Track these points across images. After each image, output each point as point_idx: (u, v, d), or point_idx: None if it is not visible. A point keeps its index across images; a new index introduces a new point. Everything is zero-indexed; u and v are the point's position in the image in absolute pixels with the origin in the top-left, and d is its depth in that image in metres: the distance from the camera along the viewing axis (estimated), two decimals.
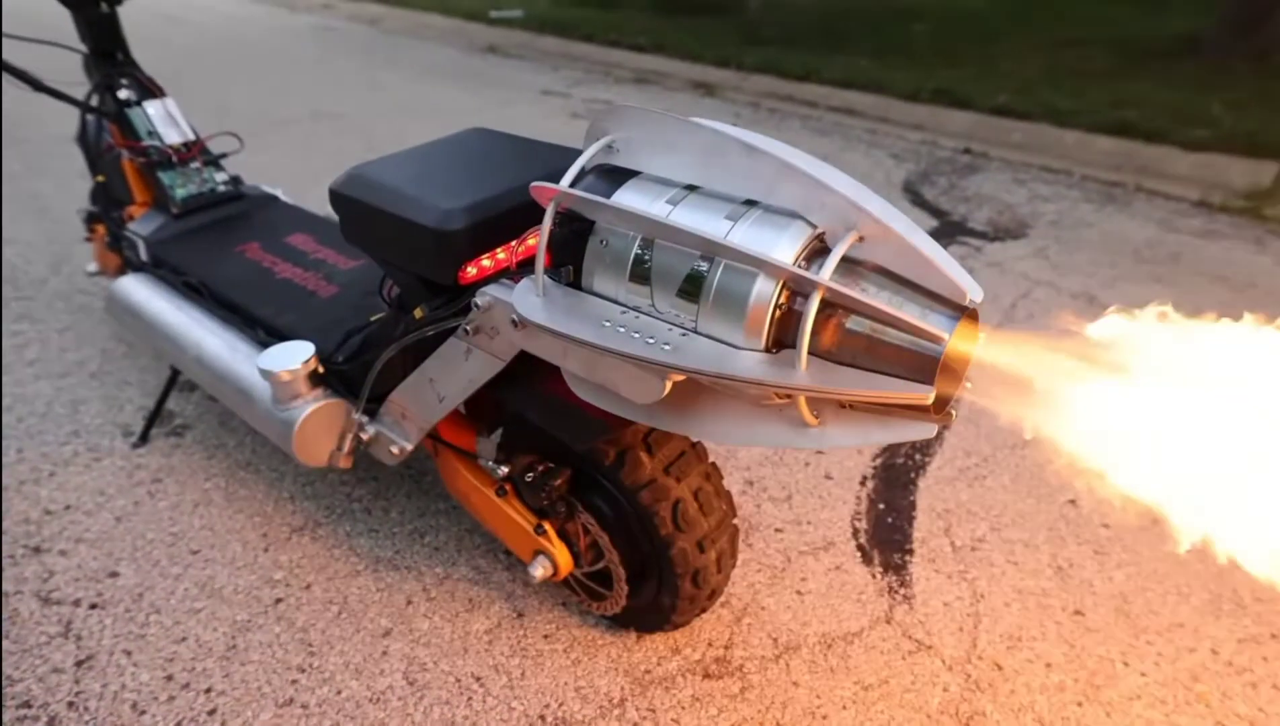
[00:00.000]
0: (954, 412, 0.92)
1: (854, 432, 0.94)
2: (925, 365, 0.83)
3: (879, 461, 2.12)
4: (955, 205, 4.03)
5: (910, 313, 0.83)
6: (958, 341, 0.84)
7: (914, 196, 4.14)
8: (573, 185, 1.00)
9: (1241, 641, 1.64)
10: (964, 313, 0.84)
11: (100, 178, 2.27)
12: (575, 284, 1.04)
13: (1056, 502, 2.01)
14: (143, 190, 2.23)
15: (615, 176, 1.02)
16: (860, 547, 1.85)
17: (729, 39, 7.37)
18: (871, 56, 6.59)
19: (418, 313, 1.34)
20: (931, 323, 0.83)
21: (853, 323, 0.86)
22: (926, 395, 0.83)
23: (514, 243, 1.15)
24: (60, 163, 3.95)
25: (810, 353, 0.86)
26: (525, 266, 1.13)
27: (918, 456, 2.15)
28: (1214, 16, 6.28)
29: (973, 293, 0.84)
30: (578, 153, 1.05)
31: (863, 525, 1.92)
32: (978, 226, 3.76)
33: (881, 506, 1.98)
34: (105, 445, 2.10)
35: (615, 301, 1.00)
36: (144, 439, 2.11)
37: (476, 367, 1.29)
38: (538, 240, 1.03)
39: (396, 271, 1.40)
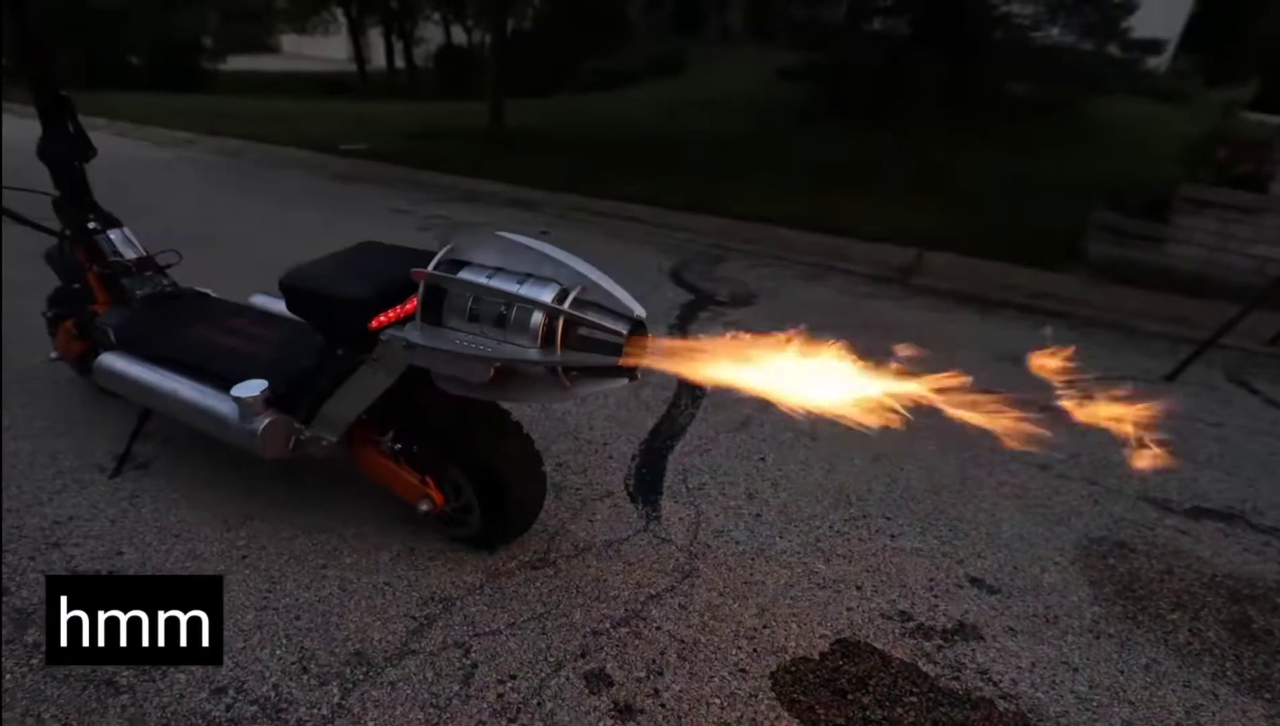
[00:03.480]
0: (638, 375, 1.60)
1: (589, 387, 1.61)
2: (616, 347, 1.51)
3: (644, 446, 2.81)
4: (707, 284, 4.90)
5: (608, 322, 1.51)
6: (633, 335, 1.52)
7: (678, 279, 4.97)
8: (434, 270, 1.63)
9: (846, 520, 2.41)
10: (634, 321, 1.53)
11: (76, 286, 2.65)
12: (438, 324, 1.66)
13: (752, 460, 2.76)
14: (104, 293, 2.62)
15: (455, 265, 1.66)
16: (630, 493, 2.51)
17: (545, 170, 7.98)
18: (649, 179, 7.43)
19: (339, 352, 1.91)
20: (619, 326, 1.51)
21: (583, 329, 1.53)
22: (615, 361, 1.51)
23: (401, 305, 1.76)
24: None
25: (563, 346, 1.53)
26: (408, 319, 1.73)
27: (669, 442, 2.85)
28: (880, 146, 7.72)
29: (638, 311, 1.53)
30: (428, 254, 1.68)
31: (632, 482, 2.58)
32: (722, 297, 4.63)
33: (644, 470, 2.65)
34: (87, 478, 2.45)
35: (461, 332, 1.63)
36: (118, 471, 2.48)
37: (379, 382, 1.87)
38: (415, 301, 1.65)
39: (325, 328, 1.96)
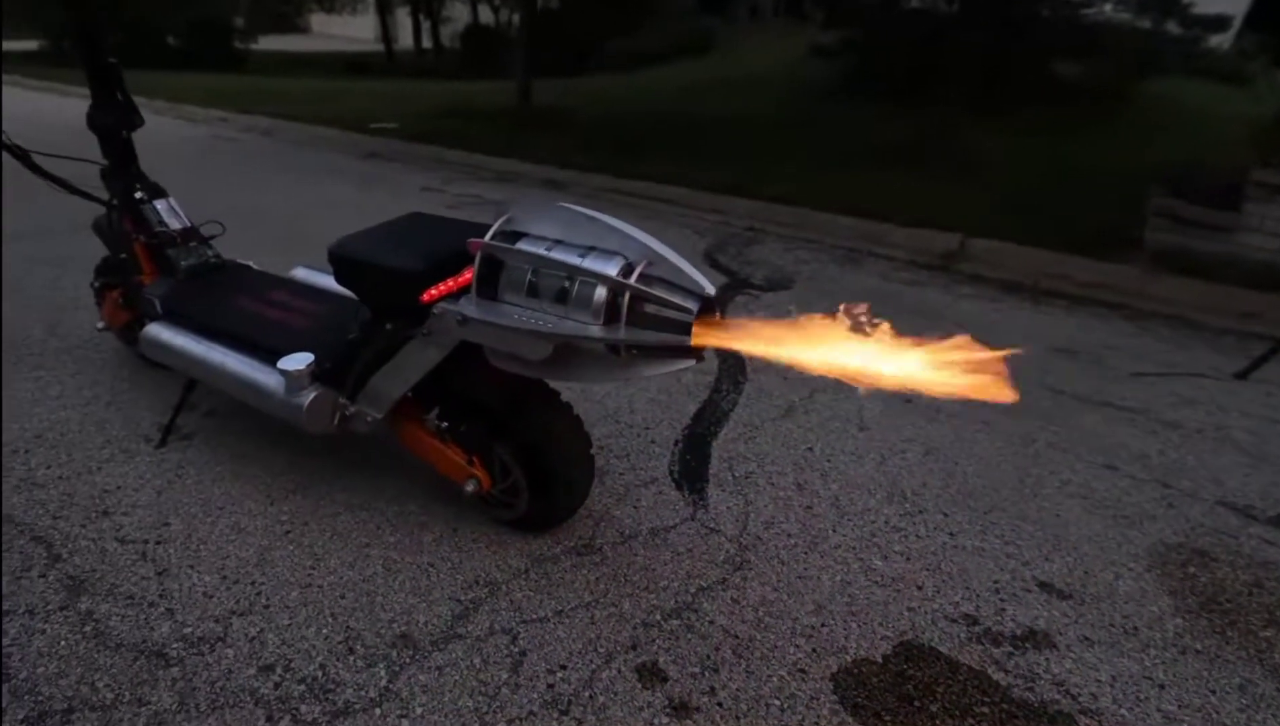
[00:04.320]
0: (704, 356, 1.49)
1: (651, 367, 1.51)
2: (685, 326, 1.40)
3: (687, 432, 2.71)
4: (741, 267, 4.76)
5: (677, 298, 1.41)
6: (701, 313, 1.41)
7: (712, 262, 4.84)
8: (491, 240, 1.54)
9: (901, 515, 2.30)
10: (705, 299, 1.42)
11: (123, 256, 2.60)
12: (493, 299, 1.57)
13: (800, 449, 2.64)
14: (149, 264, 2.58)
15: (513, 237, 1.56)
16: (674, 481, 2.41)
17: (569, 149, 7.81)
18: (678, 159, 7.21)
19: (388, 326, 1.83)
20: (689, 303, 1.40)
21: (649, 306, 1.43)
22: (685, 341, 1.40)
23: (455, 277, 1.67)
24: (27, 258, 4.11)
25: (627, 324, 1.42)
26: (462, 292, 1.64)
27: (712, 428, 2.75)
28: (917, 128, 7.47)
29: (708, 287, 1.42)
30: (483, 226, 1.59)
31: (676, 469, 2.48)
32: (757, 282, 4.50)
33: (688, 457, 2.55)
34: (133, 448, 2.42)
35: (518, 306, 1.54)
36: (163, 442, 2.44)
37: (429, 357, 1.78)
38: (471, 273, 1.56)
39: (374, 301, 1.88)
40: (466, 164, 7.73)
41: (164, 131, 8.89)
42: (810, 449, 2.65)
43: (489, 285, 1.56)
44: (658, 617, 1.84)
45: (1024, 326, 3.99)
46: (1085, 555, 2.12)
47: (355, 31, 25.72)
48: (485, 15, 19.71)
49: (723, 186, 6.46)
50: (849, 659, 1.74)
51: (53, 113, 8.65)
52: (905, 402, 3.01)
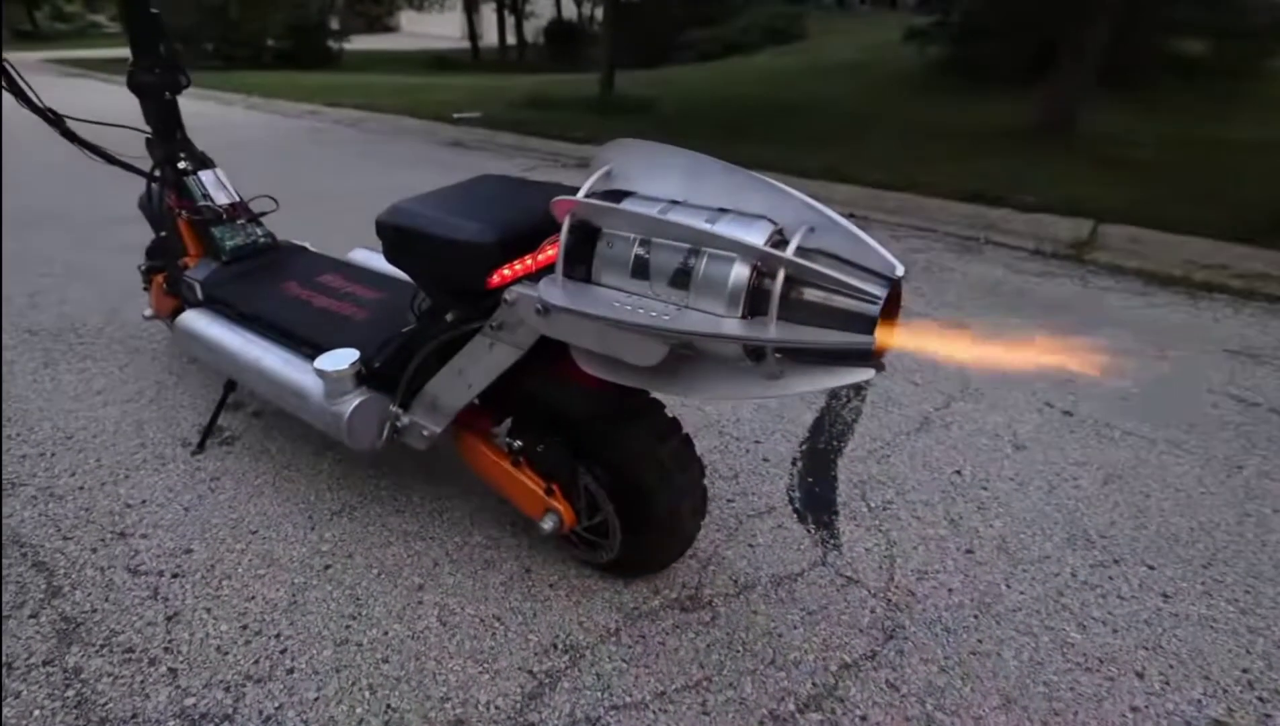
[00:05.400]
0: (885, 364, 1.01)
1: (809, 380, 1.02)
2: (866, 320, 0.92)
3: (805, 447, 2.21)
4: None
5: (854, 280, 0.92)
6: (888, 302, 0.93)
7: None
8: (585, 199, 1.08)
9: (1092, 566, 1.76)
10: (893, 283, 0.94)
11: (163, 233, 2.27)
12: (586, 280, 1.12)
13: (945, 473, 2.12)
14: (195, 244, 2.24)
15: (614, 197, 1.11)
16: (796, 511, 1.93)
17: (653, 134, 7.47)
18: (768, 144, 6.77)
19: (449, 317, 1.40)
20: (870, 287, 0.92)
21: (809, 292, 0.95)
22: (869, 342, 0.92)
23: (534, 253, 1.23)
24: (101, 238, 3.91)
25: (778, 317, 0.95)
26: (542, 273, 1.20)
27: (835, 443, 2.25)
28: (1034, 112, 6.70)
29: (898, 267, 0.94)
30: (571, 188, 1.14)
31: (796, 494, 2.00)
32: None
33: (810, 480, 2.06)
34: (169, 453, 2.08)
35: (620, 291, 1.08)
36: (201, 447, 2.10)
37: (500, 357, 1.35)
38: (555, 248, 1.11)
39: (431, 285, 1.46)
40: (549, 151, 7.39)
41: (255, 125, 8.89)
42: (958, 472, 2.12)
43: (580, 262, 1.11)
44: (791, 707, 1.36)
45: (1185, 325, 3.32)
46: None
47: (442, 29, 26.27)
48: (569, 10, 19.55)
49: (821, 172, 5.92)
50: None
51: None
52: (1065, 414, 2.44)
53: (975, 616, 1.59)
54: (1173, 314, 3.46)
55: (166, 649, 1.44)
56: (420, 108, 9.48)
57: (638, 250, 1.04)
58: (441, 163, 6.70)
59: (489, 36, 22.09)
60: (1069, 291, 3.74)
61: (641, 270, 1.04)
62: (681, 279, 1.01)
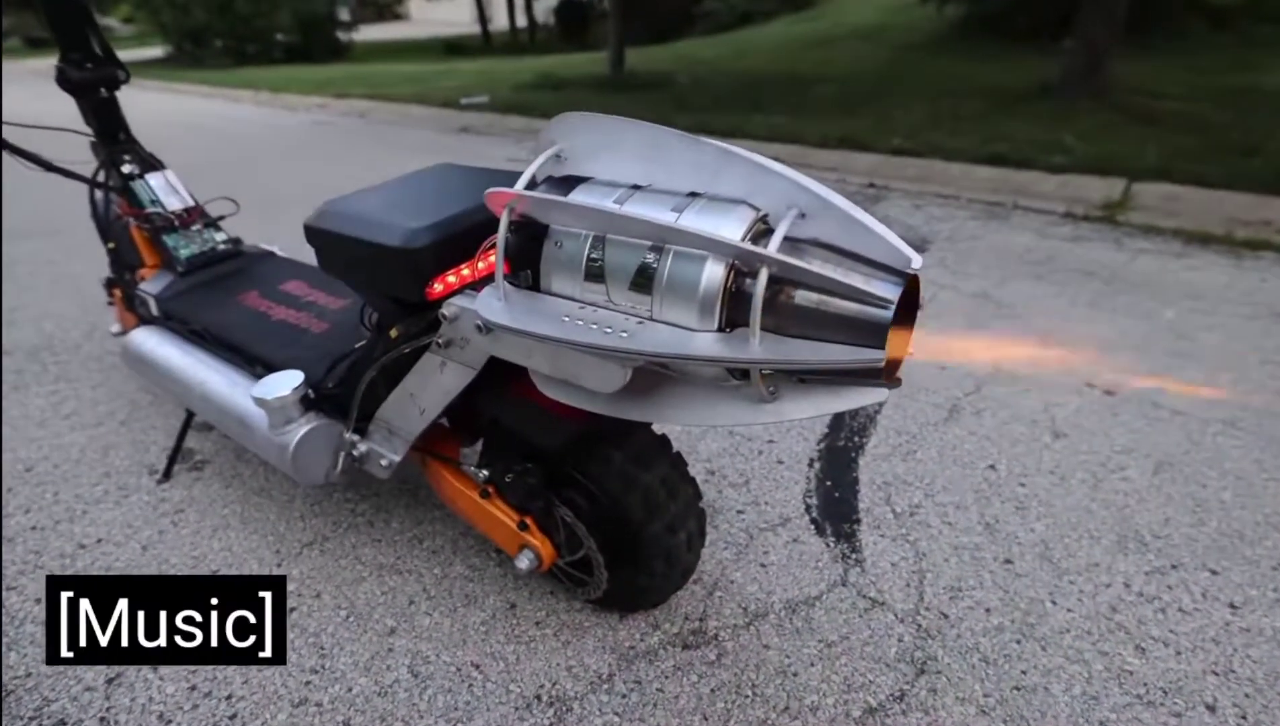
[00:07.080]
0: (901, 376, 0.80)
1: (809, 404, 0.82)
2: (875, 330, 0.72)
3: (823, 445, 2.00)
4: None
5: (858, 279, 0.72)
6: (903, 304, 0.72)
7: None
8: (524, 190, 0.88)
9: (1148, 574, 1.54)
10: (907, 278, 0.73)
11: (111, 245, 2.10)
12: (534, 288, 0.92)
13: (978, 469, 1.90)
14: (150, 253, 2.07)
15: (565, 183, 0.90)
16: (813, 521, 1.73)
17: (665, 107, 7.22)
18: (784, 114, 6.51)
19: (393, 333, 1.21)
20: (878, 288, 0.71)
21: (801, 296, 0.75)
22: (879, 359, 0.71)
23: (474, 259, 1.03)
24: (92, 249, 3.76)
25: (763, 328, 0.75)
26: (488, 279, 1.00)
27: (856, 438, 2.03)
28: (1059, 69, 6.33)
29: (914, 259, 0.73)
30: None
31: (814, 501, 1.79)
32: None
33: (828, 484, 1.86)
34: (133, 483, 1.92)
35: (573, 299, 0.88)
36: (167, 475, 1.94)
37: (451, 379, 1.16)
38: (493, 251, 0.91)
39: (371, 295, 1.27)
40: None
41: (261, 121, 8.74)
42: (993, 467, 1.91)
43: (527, 265, 0.91)
44: None
45: (1228, 286, 3.04)
46: None
47: (452, 15, 25.92)
48: None
49: (838, 140, 5.65)
50: None
51: (171, 111, 8.68)
52: (1106, 395, 2.21)
53: (1017, 642, 1.39)
54: (1215, 276, 3.18)
55: (102, 719, 1.27)
56: (428, 95, 9.28)
57: (590, 250, 0.84)
58: (448, 150, 6.50)
59: (499, 20, 21.75)
60: (1102, 255, 3.47)
61: (596, 273, 0.84)
62: (643, 283, 0.80)
